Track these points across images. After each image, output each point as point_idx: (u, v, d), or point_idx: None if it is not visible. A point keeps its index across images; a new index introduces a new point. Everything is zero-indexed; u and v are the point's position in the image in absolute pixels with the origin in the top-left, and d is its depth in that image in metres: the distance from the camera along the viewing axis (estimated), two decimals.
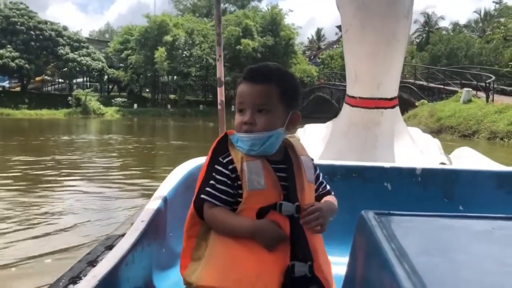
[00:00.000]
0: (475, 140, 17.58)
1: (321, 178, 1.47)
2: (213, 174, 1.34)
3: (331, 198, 1.43)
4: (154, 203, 1.63)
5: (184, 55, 44.54)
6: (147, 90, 48.84)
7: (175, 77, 45.77)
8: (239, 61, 43.57)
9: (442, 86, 25.94)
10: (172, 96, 46.62)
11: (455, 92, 23.29)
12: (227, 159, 1.34)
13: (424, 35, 60.68)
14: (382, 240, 0.94)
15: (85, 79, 48.53)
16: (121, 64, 46.12)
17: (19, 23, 39.47)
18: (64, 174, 9.35)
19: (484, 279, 0.78)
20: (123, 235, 1.49)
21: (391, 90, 3.22)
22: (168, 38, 41.72)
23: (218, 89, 2.69)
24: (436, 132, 18.97)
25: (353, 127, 3.29)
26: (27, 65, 38.96)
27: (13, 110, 36.41)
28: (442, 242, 0.97)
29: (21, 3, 41.38)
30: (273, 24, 45.76)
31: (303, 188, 1.34)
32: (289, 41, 46.31)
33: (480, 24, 57.18)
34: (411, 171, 2.08)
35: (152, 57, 41.34)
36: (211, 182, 1.33)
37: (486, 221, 1.08)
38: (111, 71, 45.66)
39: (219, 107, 2.72)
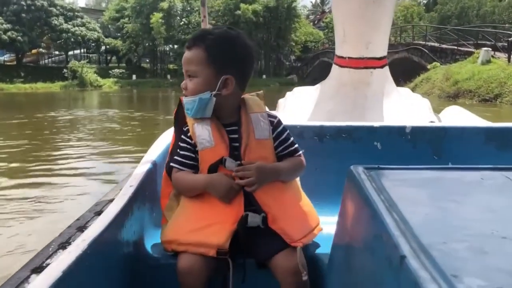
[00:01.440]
0: (498, 104, 15.98)
1: (284, 136, 1.46)
2: (179, 142, 1.44)
3: (290, 160, 1.44)
4: (142, 168, 1.62)
5: (182, 22, 42.96)
6: (147, 60, 47.27)
7: (174, 46, 44.30)
8: (239, 26, 42.05)
9: (456, 47, 24.12)
10: (171, 66, 45.19)
11: (470, 53, 21.60)
12: (186, 128, 1.43)
13: None
14: (372, 192, 0.95)
15: (82, 50, 47.08)
16: (118, 34, 44.43)
17: None
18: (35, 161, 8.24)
19: (473, 225, 0.79)
20: (112, 200, 1.48)
21: (380, 49, 3.15)
22: (164, 4, 39.99)
23: None
24: (453, 97, 17.54)
25: (343, 88, 3.23)
26: (20, 38, 37.32)
27: (7, 84, 35.13)
28: (431, 192, 0.98)
29: None
30: None
31: (248, 145, 1.38)
32: (291, 4, 44.47)
33: None
34: (400, 130, 2.08)
35: (149, 25, 39.84)
36: (178, 149, 1.44)
37: (475, 172, 1.07)
38: (109, 40, 44.05)
39: None
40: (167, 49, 45.46)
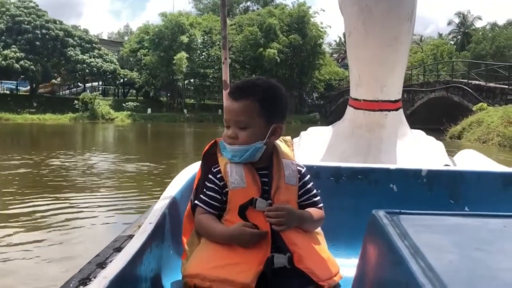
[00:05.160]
0: None
1: (309, 186, 1.50)
2: (206, 182, 1.45)
3: (312, 210, 1.47)
4: (161, 205, 1.63)
5: (202, 56, 41.46)
6: (168, 94, 45.55)
7: (192, 80, 42.74)
8: (261, 63, 40.25)
9: (507, 86, 21.11)
10: (188, 101, 43.40)
11: None
12: (216, 169, 1.45)
13: (459, 37, 57.94)
14: (395, 238, 0.96)
15: (100, 82, 45.80)
16: (137, 66, 43.04)
17: (25, 22, 36.68)
18: None
19: (500, 275, 0.79)
20: (130, 236, 1.49)
21: (395, 92, 3.14)
22: (183, 38, 38.49)
23: (224, 92, 2.71)
24: None
25: (357, 130, 3.23)
26: (32, 67, 36.00)
27: (14, 114, 33.45)
28: (455, 239, 0.98)
29: (31, 1, 38.65)
30: (300, 22, 42.16)
31: (279, 187, 1.42)
32: (316, 42, 42.71)
33: None
34: (416, 173, 2.07)
35: (167, 58, 38.28)
36: (204, 189, 1.45)
37: (497, 219, 1.07)
38: (125, 71, 42.65)
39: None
40: (186, 82, 43.81)
